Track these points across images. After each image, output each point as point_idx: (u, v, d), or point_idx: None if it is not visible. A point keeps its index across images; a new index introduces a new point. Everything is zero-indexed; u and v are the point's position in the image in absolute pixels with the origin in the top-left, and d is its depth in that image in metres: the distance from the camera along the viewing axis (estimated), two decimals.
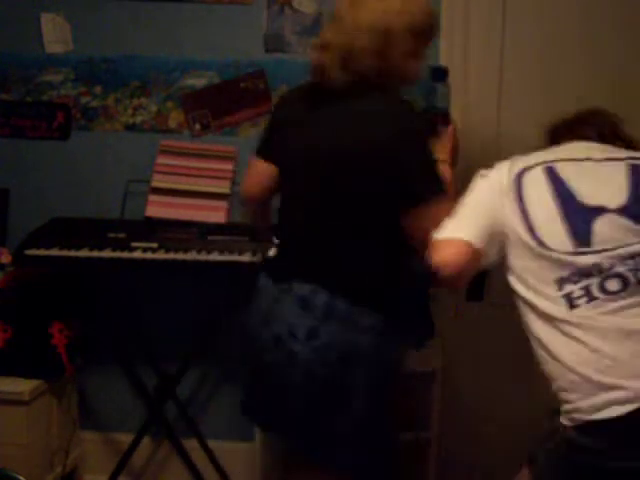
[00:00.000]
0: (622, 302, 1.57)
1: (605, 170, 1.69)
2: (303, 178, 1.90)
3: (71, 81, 2.85)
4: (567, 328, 1.58)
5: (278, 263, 1.96)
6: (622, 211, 1.61)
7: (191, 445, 2.90)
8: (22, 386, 2.56)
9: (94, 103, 2.86)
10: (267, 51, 2.79)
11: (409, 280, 1.89)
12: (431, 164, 1.82)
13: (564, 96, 2.61)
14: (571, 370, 1.57)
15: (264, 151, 2.05)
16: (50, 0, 2.82)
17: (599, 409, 1.53)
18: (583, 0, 2.61)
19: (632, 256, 1.58)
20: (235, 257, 2.50)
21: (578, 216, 1.62)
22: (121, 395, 2.97)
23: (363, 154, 1.79)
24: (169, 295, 2.86)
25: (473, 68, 2.64)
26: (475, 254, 1.69)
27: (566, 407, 1.59)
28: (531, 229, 1.65)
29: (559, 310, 1.59)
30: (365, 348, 1.82)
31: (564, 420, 1.59)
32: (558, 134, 1.89)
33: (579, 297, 1.58)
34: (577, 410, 1.56)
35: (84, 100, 2.86)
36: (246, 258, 2.50)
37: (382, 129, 1.79)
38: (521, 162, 1.74)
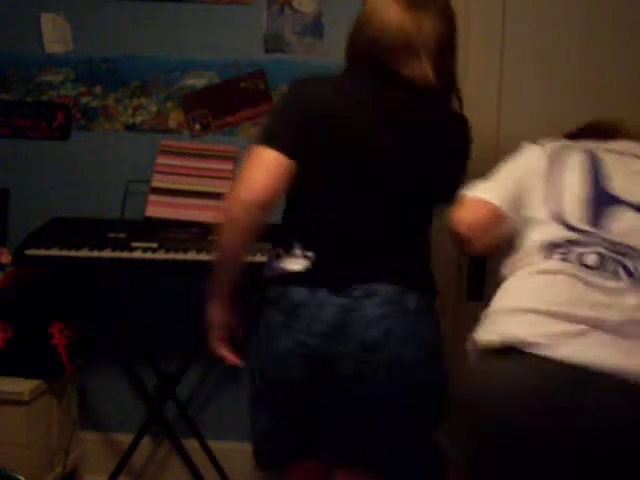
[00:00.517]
0: (583, 274, 1.58)
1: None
2: (378, 179, 1.78)
3: (71, 81, 2.86)
4: (524, 270, 1.64)
5: (333, 270, 1.77)
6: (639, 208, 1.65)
7: (191, 445, 2.90)
8: (22, 386, 2.56)
9: (94, 103, 2.86)
10: (267, 51, 2.79)
11: None
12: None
13: (564, 96, 2.61)
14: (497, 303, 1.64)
15: (288, 146, 1.75)
16: (50, 0, 2.82)
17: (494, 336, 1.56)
18: (583, 0, 2.61)
19: (626, 248, 1.60)
20: None
21: (599, 199, 1.66)
22: (121, 395, 2.97)
23: (442, 158, 1.81)
24: (169, 295, 2.86)
25: (473, 68, 2.64)
26: (499, 217, 1.73)
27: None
28: (551, 198, 1.69)
29: (534, 258, 1.64)
30: (441, 344, 1.85)
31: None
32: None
33: (555, 256, 1.62)
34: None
35: (84, 100, 2.86)
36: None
37: (460, 139, 1.85)
38: (567, 142, 1.81)
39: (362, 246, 1.79)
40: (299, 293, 1.77)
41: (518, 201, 1.74)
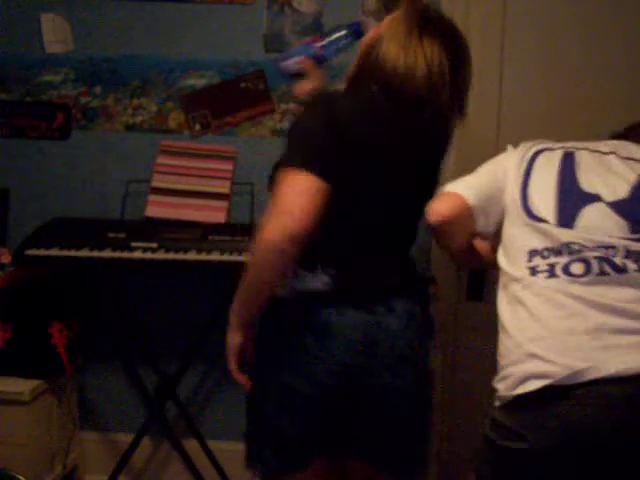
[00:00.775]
0: (577, 286, 1.57)
1: (622, 166, 1.71)
2: (401, 199, 1.83)
3: (71, 81, 2.86)
4: (519, 292, 1.62)
5: (355, 287, 1.79)
6: (615, 205, 1.63)
7: (191, 445, 2.90)
8: (22, 386, 2.56)
9: (94, 103, 2.86)
10: (267, 51, 2.78)
11: None
12: None
13: (564, 96, 2.61)
14: (511, 336, 1.60)
15: (325, 169, 1.67)
16: (50, 0, 2.82)
17: (520, 381, 1.53)
18: (583, 1, 2.61)
19: (605, 247, 1.59)
20: (235, 257, 2.50)
21: (571, 198, 1.66)
22: (121, 395, 2.97)
23: (437, 168, 1.92)
24: (169, 295, 2.86)
25: (473, 68, 2.64)
26: (467, 211, 1.78)
27: (498, 384, 1.61)
28: (525, 198, 1.71)
29: (521, 275, 1.64)
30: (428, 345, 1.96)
31: (495, 401, 1.61)
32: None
33: (542, 271, 1.61)
34: (504, 378, 1.58)
35: (84, 100, 2.86)
36: (246, 258, 2.50)
37: (447, 139, 1.92)
38: (547, 144, 1.81)
39: (376, 256, 1.84)
40: (328, 313, 1.76)
41: (492, 199, 1.78)
